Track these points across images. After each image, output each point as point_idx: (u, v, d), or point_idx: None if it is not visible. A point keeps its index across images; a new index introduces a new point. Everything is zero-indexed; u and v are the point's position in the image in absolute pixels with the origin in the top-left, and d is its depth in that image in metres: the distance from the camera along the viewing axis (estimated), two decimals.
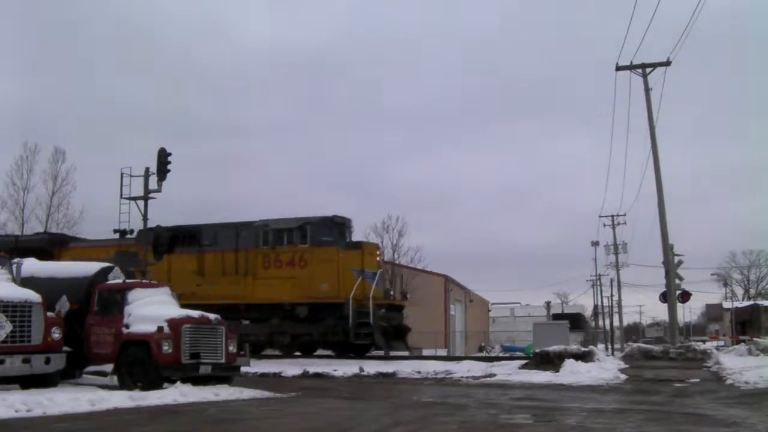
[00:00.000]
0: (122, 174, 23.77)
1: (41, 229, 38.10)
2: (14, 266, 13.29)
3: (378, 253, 25.15)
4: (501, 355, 24.86)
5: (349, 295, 22.43)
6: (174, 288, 24.11)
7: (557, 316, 50.50)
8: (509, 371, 18.19)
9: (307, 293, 23.28)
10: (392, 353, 23.66)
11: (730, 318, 59.61)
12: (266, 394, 12.71)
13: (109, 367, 13.66)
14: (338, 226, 24.65)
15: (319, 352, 30.26)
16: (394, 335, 23.74)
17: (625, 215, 51.08)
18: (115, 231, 26.52)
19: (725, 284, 76.81)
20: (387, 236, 40.21)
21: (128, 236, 26.74)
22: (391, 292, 24.62)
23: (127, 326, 13.40)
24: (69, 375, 13.31)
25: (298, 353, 24.46)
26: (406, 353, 25.08)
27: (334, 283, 23.00)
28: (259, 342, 24.77)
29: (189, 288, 24.68)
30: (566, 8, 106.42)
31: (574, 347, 19.11)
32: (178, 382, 12.44)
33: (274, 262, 24.09)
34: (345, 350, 23.90)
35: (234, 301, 24.20)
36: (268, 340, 24.35)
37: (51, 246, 26.74)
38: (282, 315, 23.81)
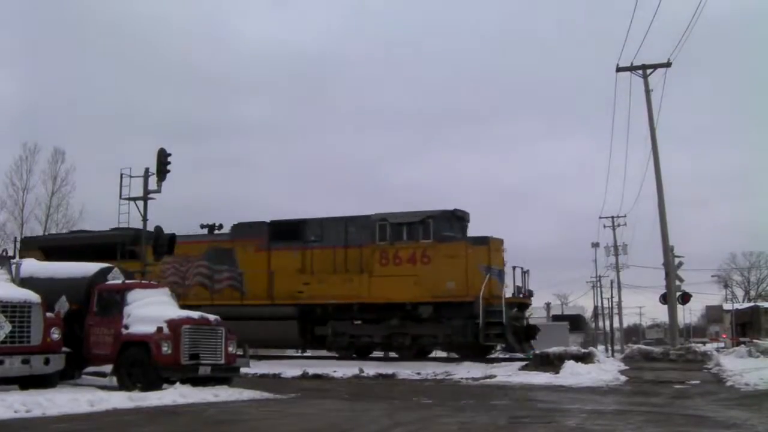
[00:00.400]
0: (122, 174, 23.69)
1: (40, 230, 38.07)
2: (13, 266, 13.28)
3: (504, 248, 23.44)
4: (501, 356, 24.62)
5: (478, 294, 21.13)
6: (277, 286, 23.56)
7: (557, 318, 50.52)
8: (509, 372, 18.16)
9: (431, 292, 21.91)
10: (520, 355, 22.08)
11: (730, 320, 59.59)
12: (265, 395, 12.70)
13: (108, 368, 13.64)
14: (459, 220, 23.34)
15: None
16: (524, 336, 22.50)
17: (625, 216, 51.11)
18: (203, 226, 25.82)
19: (725, 286, 76.76)
20: None
21: (217, 231, 25.86)
22: (523, 291, 23.11)
23: (126, 327, 13.38)
24: (68, 375, 13.29)
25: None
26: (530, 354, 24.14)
27: (461, 281, 21.66)
28: (372, 344, 23.52)
29: (294, 286, 23.59)
30: (566, 8, 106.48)
31: (574, 348, 19.09)
32: (178, 383, 12.42)
33: (393, 258, 22.62)
34: (472, 352, 22.27)
35: (346, 301, 22.88)
36: (384, 342, 23.04)
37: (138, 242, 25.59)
38: (402, 315, 22.41)
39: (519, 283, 23.15)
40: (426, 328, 22.42)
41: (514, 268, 23.15)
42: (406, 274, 22.29)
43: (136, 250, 25.31)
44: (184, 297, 24.27)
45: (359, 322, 23.42)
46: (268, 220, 24.85)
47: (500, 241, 23.24)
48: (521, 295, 23.12)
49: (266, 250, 24.26)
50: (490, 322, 21.18)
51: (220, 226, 25.91)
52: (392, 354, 23.98)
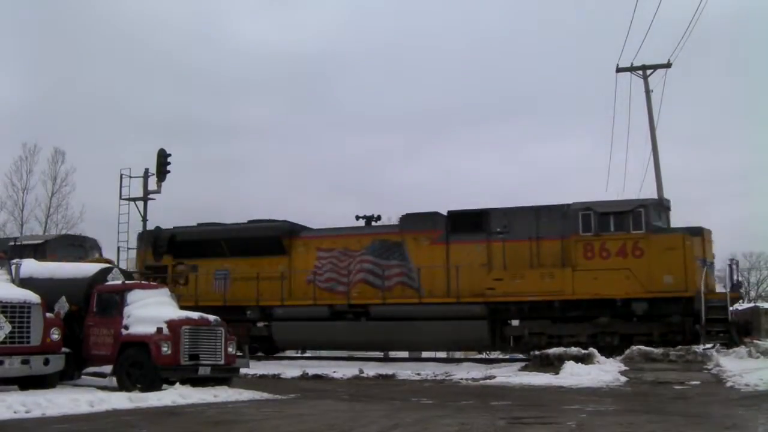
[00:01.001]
0: (122, 175, 23.82)
1: (40, 230, 38.11)
2: (13, 267, 13.30)
3: (713, 240, 22.05)
4: (501, 357, 24.57)
5: (697, 288, 20.01)
6: (461, 282, 21.95)
7: None
8: (509, 373, 18.14)
9: (644, 287, 20.55)
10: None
11: None
12: (265, 395, 12.69)
13: (108, 369, 13.67)
14: (666, 210, 22.07)
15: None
16: (744, 333, 20.94)
17: None
18: (359, 218, 24.66)
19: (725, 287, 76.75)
20: None
21: (375, 223, 24.70)
22: (742, 286, 22.00)
23: (126, 327, 13.40)
24: (68, 376, 13.32)
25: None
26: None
27: (680, 275, 20.35)
28: (578, 343, 20.78)
29: (481, 283, 21.90)
30: (567, 8, 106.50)
31: (574, 349, 19.01)
32: (177, 384, 12.44)
33: (599, 251, 21.07)
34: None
35: (547, 298, 21.33)
36: (590, 342, 20.84)
37: (284, 235, 24.53)
38: (611, 312, 20.98)
39: (736, 277, 22.32)
40: (639, 326, 21.00)
41: (731, 260, 22.34)
42: (616, 267, 20.86)
43: (284, 243, 24.21)
44: (346, 294, 23.27)
45: (548, 321, 21.89)
46: (444, 211, 23.19)
47: (710, 232, 22.05)
48: (742, 291, 22.34)
49: (444, 243, 22.74)
50: (710, 318, 20.04)
51: (378, 218, 24.83)
52: (392, 354, 23.51)
